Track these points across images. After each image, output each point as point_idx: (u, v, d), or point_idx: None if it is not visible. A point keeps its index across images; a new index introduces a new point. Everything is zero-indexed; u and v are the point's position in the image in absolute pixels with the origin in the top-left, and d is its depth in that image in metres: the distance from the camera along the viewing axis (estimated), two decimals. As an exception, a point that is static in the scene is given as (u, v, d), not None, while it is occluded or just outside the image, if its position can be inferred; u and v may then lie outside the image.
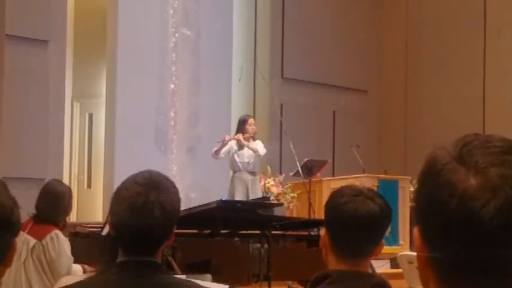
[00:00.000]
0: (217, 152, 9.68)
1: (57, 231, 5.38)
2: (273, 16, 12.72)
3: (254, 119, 10.06)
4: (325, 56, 13.07)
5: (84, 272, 5.37)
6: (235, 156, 9.71)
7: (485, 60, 12.97)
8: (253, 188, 9.70)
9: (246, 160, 9.71)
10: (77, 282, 2.27)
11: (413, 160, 11.97)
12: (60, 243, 5.34)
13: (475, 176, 0.99)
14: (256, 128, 9.91)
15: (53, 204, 5.40)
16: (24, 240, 5.29)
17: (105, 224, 5.53)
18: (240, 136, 9.62)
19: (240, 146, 9.70)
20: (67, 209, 5.55)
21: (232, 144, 9.69)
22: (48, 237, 5.32)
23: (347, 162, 11.31)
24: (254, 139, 9.75)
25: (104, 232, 5.42)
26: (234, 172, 9.83)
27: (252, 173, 9.82)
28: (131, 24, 11.00)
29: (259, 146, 9.74)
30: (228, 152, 9.72)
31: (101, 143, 11.74)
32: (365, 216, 2.25)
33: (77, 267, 5.46)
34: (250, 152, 9.70)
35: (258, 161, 9.94)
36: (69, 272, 5.33)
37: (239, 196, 9.44)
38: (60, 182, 5.95)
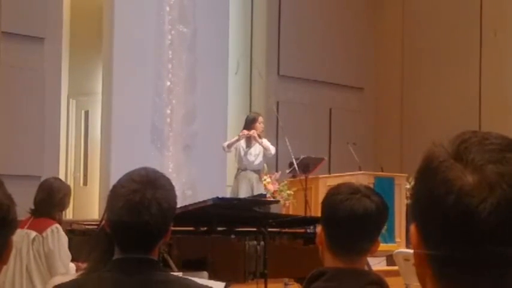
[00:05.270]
0: (229, 146, 9.73)
1: (58, 226, 5.45)
2: (269, 14, 12.71)
3: (261, 116, 10.02)
4: (322, 53, 13.07)
5: (78, 270, 5.39)
6: (243, 154, 9.70)
7: (481, 59, 12.98)
8: (257, 187, 9.73)
9: (253, 158, 9.72)
10: (71, 280, 2.27)
11: (409, 157, 12.00)
12: (60, 237, 5.40)
13: (472, 173, 0.99)
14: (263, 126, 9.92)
15: (47, 198, 5.49)
16: (24, 235, 5.35)
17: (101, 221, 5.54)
18: (255, 132, 9.62)
19: (248, 144, 9.69)
20: (61, 203, 5.60)
21: (241, 141, 9.69)
22: (49, 230, 5.39)
23: (343, 159, 11.32)
24: (260, 137, 9.76)
25: None
26: (239, 169, 9.82)
27: (257, 172, 9.83)
28: (127, 21, 10.98)
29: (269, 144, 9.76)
30: (235, 147, 9.72)
31: (97, 140, 11.72)
32: (361, 214, 2.25)
33: (71, 266, 5.49)
34: (258, 150, 9.69)
35: (263, 160, 9.94)
36: (66, 269, 5.35)
37: (243, 194, 9.44)
38: (58, 179, 6.08)
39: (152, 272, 2.11)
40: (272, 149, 9.74)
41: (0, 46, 9.46)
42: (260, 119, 9.80)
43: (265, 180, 10.69)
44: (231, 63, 12.32)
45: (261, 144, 9.65)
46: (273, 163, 11.65)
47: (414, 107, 13.65)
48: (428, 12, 13.55)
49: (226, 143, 9.84)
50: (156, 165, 2.44)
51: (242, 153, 9.70)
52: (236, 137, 9.79)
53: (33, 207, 5.54)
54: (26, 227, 5.41)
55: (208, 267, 5.61)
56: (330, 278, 2.23)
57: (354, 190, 2.30)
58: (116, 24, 10.96)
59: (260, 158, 9.77)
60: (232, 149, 9.78)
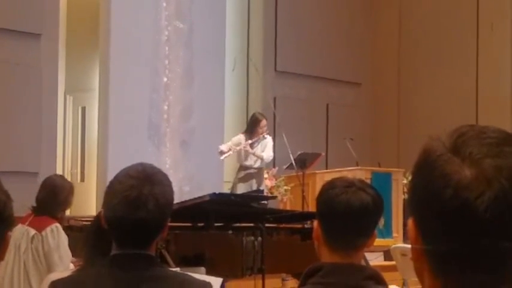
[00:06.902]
0: (222, 154, 9.67)
1: (58, 225, 5.42)
2: (265, 9, 12.70)
3: (266, 119, 9.89)
4: (319, 48, 13.06)
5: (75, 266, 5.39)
6: (243, 154, 9.68)
7: (478, 53, 12.98)
8: (258, 185, 9.73)
9: (254, 159, 9.72)
10: (69, 276, 2.27)
11: (406, 153, 11.98)
12: (59, 236, 5.38)
13: (469, 167, 0.99)
14: (267, 128, 9.85)
15: (50, 196, 5.46)
16: (24, 232, 5.34)
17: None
18: (247, 146, 9.55)
19: (251, 145, 9.65)
20: (64, 202, 5.58)
21: (241, 139, 9.66)
22: (48, 229, 5.36)
23: (340, 155, 11.32)
24: (265, 137, 9.73)
25: None
26: (240, 166, 9.82)
27: (259, 169, 9.82)
28: (124, 17, 10.96)
29: (267, 149, 9.66)
30: (238, 144, 9.66)
31: (94, 137, 11.71)
32: (358, 207, 2.25)
33: (71, 265, 5.48)
34: (259, 151, 9.67)
35: (264, 162, 9.92)
36: (65, 268, 5.34)
37: (242, 191, 9.44)
38: (61, 176, 6.05)
39: (149, 267, 2.11)
40: (266, 158, 9.68)
41: (-3, 42, 9.45)
42: (263, 123, 9.67)
43: (263, 175, 10.70)
44: (228, 59, 12.30)
45: (253, 154, 9.61)
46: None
47: (411, 102, 13.65)
48: (425, 7, 13.55)
49: (220, 149, 9.73)
50: (153, 161, 2.44)
51: (243, 152, 9.69)
52: (229, 147, 9.66)
53: (33, 204, 5.51)
54: (26, 223, 5.39)
55: (205, 262, 5.61)
56: (326, 273, 2.22)
57: (348, 184, 2.30)
58: (113, 21, 10.94)
59: (260, 160, 9.77)
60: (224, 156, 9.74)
